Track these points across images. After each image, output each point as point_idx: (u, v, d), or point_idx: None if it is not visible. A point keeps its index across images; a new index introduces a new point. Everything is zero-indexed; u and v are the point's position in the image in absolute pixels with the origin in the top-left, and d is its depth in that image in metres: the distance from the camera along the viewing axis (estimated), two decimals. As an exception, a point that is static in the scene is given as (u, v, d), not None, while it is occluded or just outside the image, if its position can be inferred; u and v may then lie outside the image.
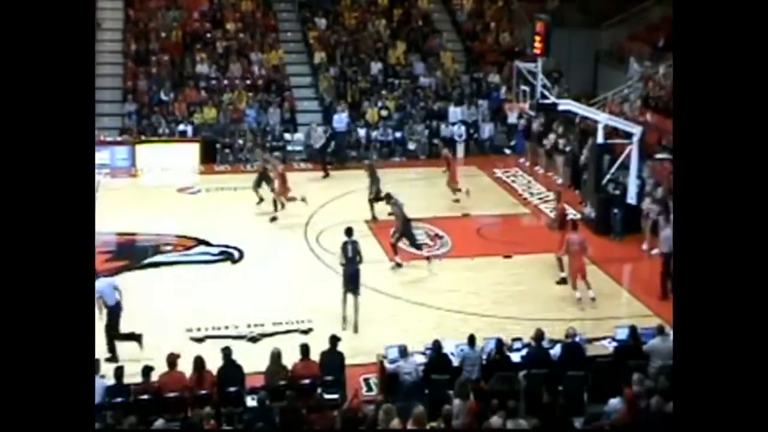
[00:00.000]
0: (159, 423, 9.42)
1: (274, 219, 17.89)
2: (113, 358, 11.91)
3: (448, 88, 25.76)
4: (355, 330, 13.07)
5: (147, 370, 10.43)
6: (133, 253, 16.32)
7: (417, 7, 28.44)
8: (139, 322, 13.31)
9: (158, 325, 13.15)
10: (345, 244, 13.36)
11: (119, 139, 22.58)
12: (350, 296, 13.21)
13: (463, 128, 24.31)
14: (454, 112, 24.72)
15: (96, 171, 20.60)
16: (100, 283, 12.20)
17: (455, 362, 11.16)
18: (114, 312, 12.30)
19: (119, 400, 10.08)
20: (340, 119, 23.14)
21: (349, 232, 13.57)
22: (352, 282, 13.18)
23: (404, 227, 15.68)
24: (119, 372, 10.42)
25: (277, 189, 18.08)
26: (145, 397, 10.21)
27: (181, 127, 23.38)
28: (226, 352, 10.81)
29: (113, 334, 12.21)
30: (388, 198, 16.49)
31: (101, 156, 21.79)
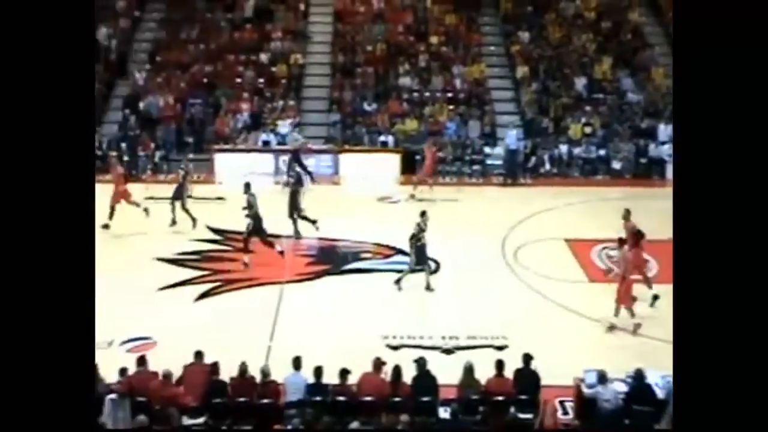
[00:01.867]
0: (354, 425, 9.57)
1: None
2: None
3: (658, 105, 24.58)
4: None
5: (344, 373, 10.63)
6: (334, 258, 16.81)
7: (627, 19, 27.43)
8: (337, 325, 13.74)
9: (355, 329, 13.45)
10: None
11: (324, 147, 23.46)
12: None
13: (673, 147, 23.13)
14: (665, 130, 23.53)
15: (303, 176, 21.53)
16: None
17: (660, 394, 10.51)
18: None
19: (318, 398, 10.34)
20: (512, 136, 22.73)
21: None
22: None
23: None
24: (318, 371, 10.68)
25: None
26: (342, 398, 10.41)
27: (383, 137, 23.92)
28: (421, 362, 10.81)
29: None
30: None
31: (306, 163, 22.75)
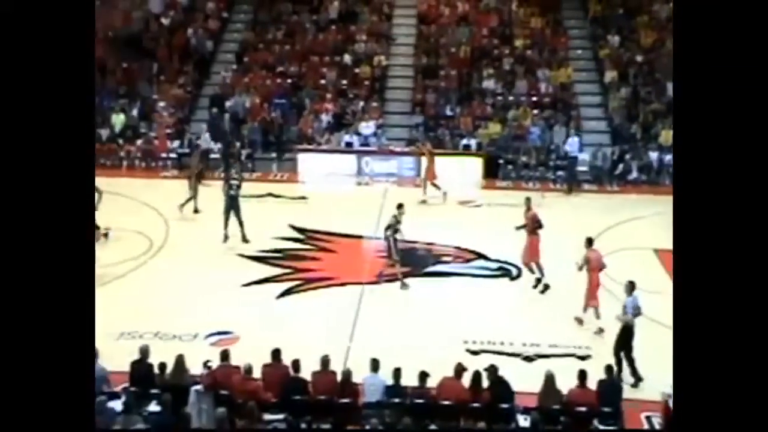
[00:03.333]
0: (433, 428, 9.51)
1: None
2: None
3: (752, 112, 23.68)
4: None
5: (423, 376, 10.57)
6: (415, 261, 16.75)
7: (723, 24, 26.53)
8: (417, 328, 13.68)
9: (435, 333, 13.37)
10: None
11: (406, 149, 23.43)
12: None
13: None
14: (759, 137, 22.64)
15: (384, 179, 21.63)
16: None
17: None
18: None
19: (396, 400, 10.32)
20: (573, 143, 22.21)
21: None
22: None
23: None
24: (397, 373, 10.65)
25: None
26: (421, 401, 10.34)
27: (465, 141, 23.75)
28: (492, 369, 10.67)
29: None
30: None
31: (389, 165, 22.84)
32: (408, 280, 15.55)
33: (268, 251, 16.97)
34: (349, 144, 23.81)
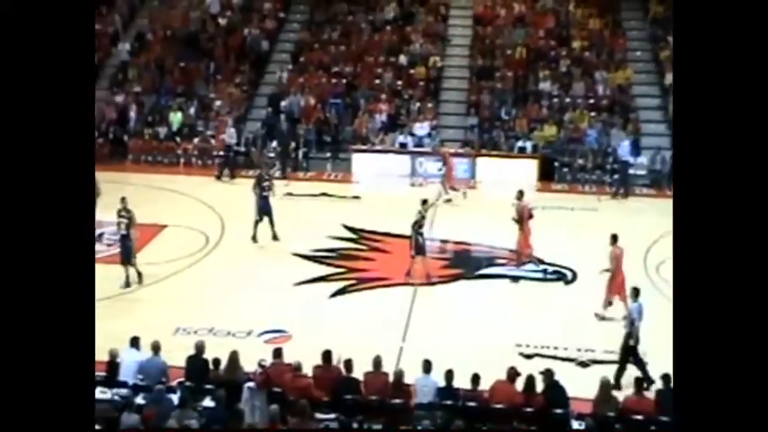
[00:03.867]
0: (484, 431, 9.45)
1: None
2: None
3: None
4: None
5: (476, 378, 10.49)
6: (469, 263, 16.65)
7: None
8: (469, 330, 13.59)
9: (488, 335, 13.26)
10: None
11: (461, 150, 23.31)
12: None
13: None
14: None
15: (438, 180, 21.50)
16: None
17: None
18: None
19: (448, 402, 10.27)
20: (625, 147, 21.75)
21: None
22: None
23: None
24: (449, 375, 10.57)
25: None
26: (473, 404, 10.27)
27: (521, 143, 23.53)
28: (548, 374, 10.54)
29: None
30: None
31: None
32: (461, 283, 15.46)
33: (321, 250, 17.04)
34: (403, 145, 23.79)
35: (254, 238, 17.23)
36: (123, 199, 15.55)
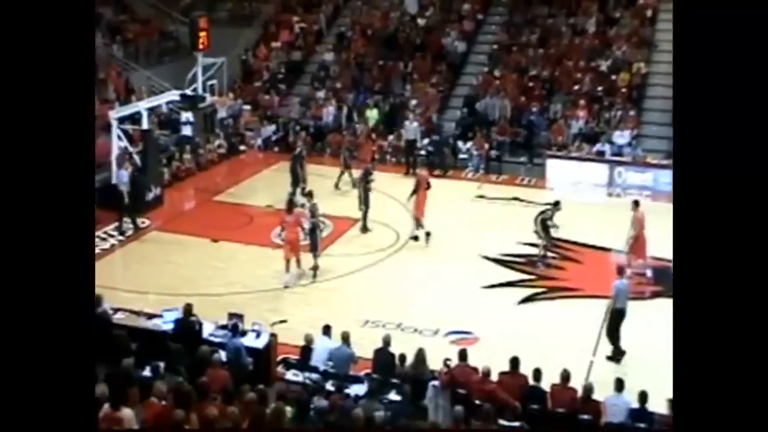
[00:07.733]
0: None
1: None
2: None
3: None
4: None
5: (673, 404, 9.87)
6: (669, 280, 15.71)
7: None
8: (665, 350, 12.76)
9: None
10: None
11: (664, 162, 22.08)
12: None
13: None
14: None
15: (637, 192, 20.49)
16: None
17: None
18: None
19: (641, 425, 9.87)
20: None
21: None
22: None
23: None
24: (643, 396, 10.10)
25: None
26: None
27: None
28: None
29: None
30: None
31: (644, 177, 21.63)
32: (662, 300, 14.63)
33: (511, 255, 16.74)
34: (601, 153, 22.88)
35: (365, 228, 17.90)
36: (310, 193, 16.55)
